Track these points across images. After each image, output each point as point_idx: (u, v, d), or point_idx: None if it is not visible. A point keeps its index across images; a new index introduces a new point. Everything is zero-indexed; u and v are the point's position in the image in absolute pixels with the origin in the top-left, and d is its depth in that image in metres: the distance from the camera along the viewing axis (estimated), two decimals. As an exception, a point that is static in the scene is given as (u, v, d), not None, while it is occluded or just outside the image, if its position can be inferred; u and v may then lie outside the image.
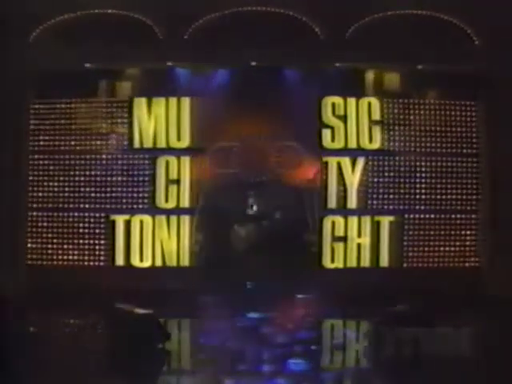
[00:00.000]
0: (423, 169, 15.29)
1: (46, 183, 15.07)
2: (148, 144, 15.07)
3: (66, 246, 14.93)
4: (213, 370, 9.00)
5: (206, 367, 9.24)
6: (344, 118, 15.24)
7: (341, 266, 15.15)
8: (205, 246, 15.04)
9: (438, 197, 15.31)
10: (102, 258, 14.92)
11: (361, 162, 15.26)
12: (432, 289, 13.93)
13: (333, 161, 15.26)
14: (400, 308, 10.72)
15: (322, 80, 15.22)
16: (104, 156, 15.04)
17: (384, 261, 15.22)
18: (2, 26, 14.11)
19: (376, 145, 15.29)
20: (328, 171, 15.26)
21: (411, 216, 15.28)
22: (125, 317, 9.91)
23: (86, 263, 14.86)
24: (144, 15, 14.72)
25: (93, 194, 15.01)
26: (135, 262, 14.94)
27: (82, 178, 15.04)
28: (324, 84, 15.23)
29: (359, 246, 15.22)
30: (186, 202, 15.08)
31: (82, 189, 15.02)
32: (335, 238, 15.21)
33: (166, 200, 15.05)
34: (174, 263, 14.96)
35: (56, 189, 15.05)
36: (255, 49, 14.50)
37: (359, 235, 15.24)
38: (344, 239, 15.21)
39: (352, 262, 15.19)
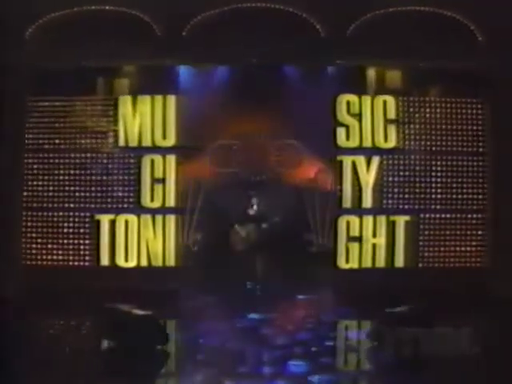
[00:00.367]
0: (439, 168, 15.07)
1: (30, 182, 14.91)
2: (133, 142, 14.91)
3: (50, 246, 14.79)
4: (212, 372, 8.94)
5: (205, 369, 9.14)
6: (359, 117, 15.05)
7: (356, 266, 14.99)
8: (204, 245, 14.95)
9: (454, 196, 15.07)
10: (86, 258, 14.77)
11: (376, 161, 15.07)
12: (448, 289, 13.75)
13: (347, 160, 15.09)
14: (414, 308, 10.58)
15: (326, 77, 15.13)
16: (89, 155, 14.86)
17: (399, 261, 15.00)
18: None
19: (391, 144, 15.08)
20: (343, 170, 15.08)
21: (427, 215, 15.06)
22: (123, 317, 9.80)
23: (70, 263, 14.70)
24: (142, 12, 14.53)
25: (77, 194, 14.86)
26: (120, 262, 14.79)
27: (67, 177, 14.87)
28: (327, 82, 15.11)
29: (374, 246, 15.03)
30: (171, 202, 14.94)
31: (67, 188, 14.85)
32: (350, 238, 15.03)
33: (152, 199, 14.91)
34: (159, 263, 14.82)
35: (40, 188, 14.88)
36: (255, 46, 14.32)
37: (374, 235, 15.04)
38: (359, 239, 15.04)
39: (367, 263, 15.01)
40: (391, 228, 15.05)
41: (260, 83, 14.59)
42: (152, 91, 14.90)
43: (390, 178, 15.12)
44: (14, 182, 14.65)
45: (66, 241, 14.78)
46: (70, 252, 14.76)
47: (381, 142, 15.10)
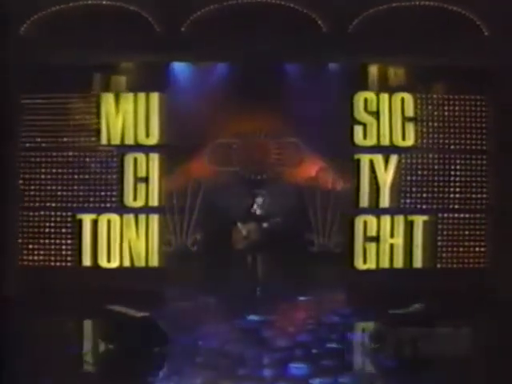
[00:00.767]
0: (458, 167, 14.79)
1: (10, 181, 14.65)
2: (116, 140, 14.73)
3: (31, 246, 14.66)
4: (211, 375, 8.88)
5: (204, 371, 9.09)
6: (376, 115, 14.81)
7: (373, 266, 14.77)
8: (204, 245, 14.89)
9: (473, 196, 14.79)
10: (68, 258, 14.64)
11: (394, 159, 14.80)
12: (466, 290, 13.61)
13: (365, 158, 14.83)
14: (429, 308, 10.49)
15: (327, 74, 15.01)
16: (70, 153, 14.71)
17: (417, 261, 14.76)
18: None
19: (409, 142, 14.82)
20: (360, 169, 14.83)
21: (445, 215, 14.80)
22: (120, 319, 9.70)
23: (52, 263, 14.57)
24: (140, 7, 14.33)
25: (59, 193, 14.72)
26: (102, 262, 14.64)
27: (48, 176, 14.71)
28: (328, 79, 14.98)
29: (392, 246, 14.79)
30: (154, 201, 14.74)
31: (48, 187, 14.72)
32: (367, 238, 14.80)
33: (135, 198, 14.73)
34: (142, 264, 14.64)
35: (22, 187, 14.73)
36: (255, 42, 14.07)
37: (392, 235, 14.80)
38: (376, 239, 14.80)
39: (385, 263, 14.77)
40: (409, 228, 14.78)
41: (260, 80, 14.42)
42: (147, 88, 14.73)
43: (408, 177, 14.86)
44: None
45: (47, 241, 14.65)
46: (52, 252, 14.62)
47: (399, 141, 14.83)
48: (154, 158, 14.76)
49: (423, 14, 14.07)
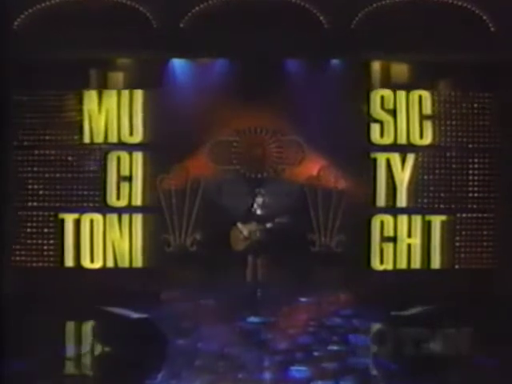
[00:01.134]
0: (476, 165, 14.52)
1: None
2: (99, 139, 14.54)
3: (12, 246, 14.46)
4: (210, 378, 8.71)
5: (202, 375, 8.89)
6: (393, 112, 14.57)
7: (390, 267, 14.55)
8: (204, 246, 14.71)
9: (492, 195, 14.51)
10: (51, 258, 14.47)
11: (411, 158, 14.56)
12: (485, 291, 13.49)
13: (382, 157, 14.60)
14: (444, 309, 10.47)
15: (329, 71, 14.74)
16: (52, 151, 14.51)
17: (435, 262, 14.52)
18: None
19: (427, 140, 14.56)
20: (377, 168, 14.61)
21: (463, 215, 14.54)
22: (118, 320, 9.59)
23: (34, 264, 14.39)
24: (137, 2, 14.15)
25: (40, 192, 14.54)
26: (85, 262, 14.46)
27: (30, 175, 14.53)
28: (331, 75, 14.70)
29: (409, 246, 14.57)
30: (138, 200, 14.57)
31: (30, 186, 14.53)
32: (384, 238, 14.58)
33: (118, 198, 14.54)
34: (126, 264, 14.47)
35: (1, 186, 14.32)
36: (255, 38, 13.84)
37: (409, 235, 14.58)
38: (393, 239, 14.57)
39: (402, 264, 14.55)
40: (427, 228, 14.55)
41: (261, 77, 14.19)
42: (145, 85, 14.57)
43: (426, 176, 14.60)
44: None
45: (28, 241, 14.49)
46: (33, 252, 14.45)
47: (416, 139, 14.58)
48: (138, 156, 14.58)
49: (428, 9, 13.78)
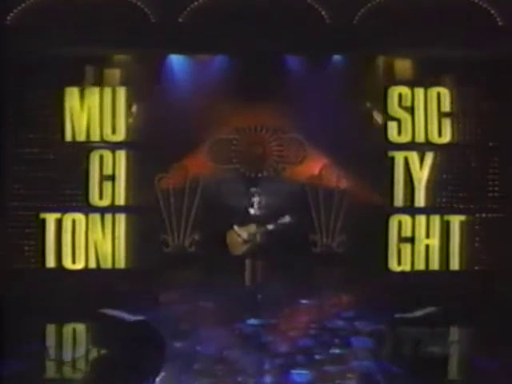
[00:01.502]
0: (496, 164, 14.19)
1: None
2: (81, 137, 14.28)
3: None
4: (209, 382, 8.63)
5: (201, 378, 8.82)
6: (411, 110, 14.30)
7: (408, 268, 14.26)
8: (203, 246, 14.54)
9: (513, 195, 14.14)
10: (31, 259, 14.22)
11: (429, 157, 14.25)
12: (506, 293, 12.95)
13: (399, 156, 14.31)
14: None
15: (331, 67, 14.47)
16: (34, 150, 14.27)
17: (454, 263, 14.20)
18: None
19: (446, 138, 14.24)
20: (394, 167, 14.33)
21: (483, 215, 14.22)
22: (115, 323, 9.41)
23: (14, 265, 14.06)
24: None
25: (21, 191, 14.26)
26: (67, 263, 14.19)
27: (10, 173, 14.20)
28: (333, 72, 14.42)
29: (428, 247, 14.27)
30: (121, 200, 14.30)
31: (10, 185, 14.21)
32: (402, 239, 14.30)
33: (100, 197, 14.27)
34: (108, 265, 14.23)
35: None
36: (255, 34, 13.55)
37: (428, 236, 14.28)
38: (411, 240, 14.29)
39: (420, 265, 14.26)
40: (445, 228, 14.23)
41: (261, 74, 13.94)
42: (142, 82, 14.33)
43: (445, 175, 14.29)
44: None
45: (8, 241, 14.17)
46: (14, 253, 14.17)
47: (434, 137, 14.27)
48: (121, 155, 14.35)
49: (433, 3, 13.41)
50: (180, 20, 13.97)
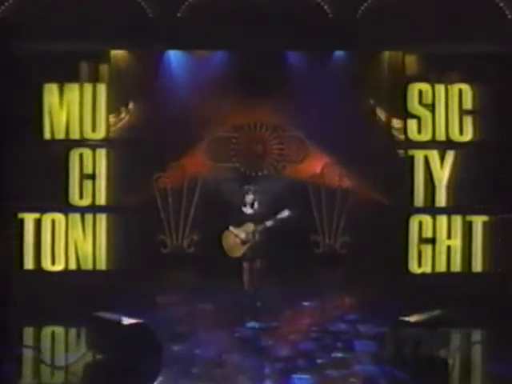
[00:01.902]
0: (519, 163, 13.80)
1: None
2: (60, 135, 14.00)
3: None
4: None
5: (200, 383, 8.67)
6: (432, 107, 14.00)
7: (429, 270, 13.95)
8: (202, 247, 14.43)
9: (537, 195, 13.74)
10: (9, 261, 13.78)
11: (450, 155, 13.95)
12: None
13: (419, 154, 14.02)
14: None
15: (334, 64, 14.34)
16: (11, 148, 13.79)
17: (477, 265, 13.88)
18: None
19: (467, 136, 13.95)
20: (414, 166, 14.03)
21: (506, 216, 13.83)
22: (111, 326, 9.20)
23: None
24: None
25: None
26: (46, 265, 13.89)
27: None
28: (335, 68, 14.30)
29: (449, 248, 13.95)
30: (102, 199, 14.01)
31: None
32: (422, 240, 13.99)
33: (81, 197, 13.99)
34: (89, 266, 13.94)
35: None
36: (256, 29, 13.31)
37: (449, 236, 13.97)
38: (432, 241, 13.98)
39: (441, 267, 13.94)
40: (467, 229, 13.93)
41: (262, 70, 13.84)
42: (139, 78, 14.23)
43: (466, 175, 13.94)
44: None
45: None
46: None
47: (456, 135, 13.98)
48: (101, 153, 14.08)
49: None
50: (178, 15, 13.73)
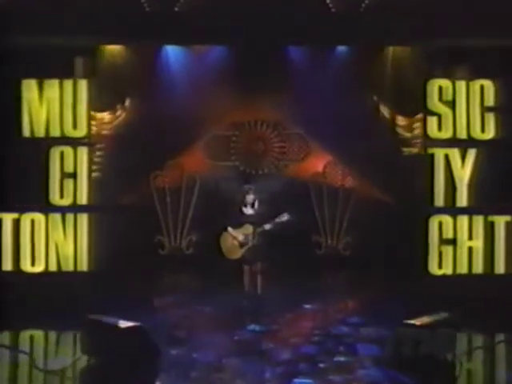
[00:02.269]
0: (543, 161, 13.42)
1: None
2: (39, 133, 13.71)
3: None
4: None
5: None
6: (452, 104, 13.69)
7: (450, 272, 13.63)
8: (201, 248, 14.23)
9: (562, 194, 13.34)
10: None
11: (472, 153, 13.64)
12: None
13: (440, 153, 13.71)
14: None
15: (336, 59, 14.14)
16: None
17: (500, 267, 13.54)
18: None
19: (489, 134, 13.63)
20: (434, 164, 13.72)
21: (529, 216, 13.47)
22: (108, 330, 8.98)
23: None
24: None
25: None
26: (26, 266, 13.58)
27: None
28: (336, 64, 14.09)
29: (471, 249, 13.63)
30: (83, 199, 13.71)
31: None
32: (443, 241, 13.66)
33: (61, 196, 13.67)
34: (70, 268, 13.63)
35: None
36: (256, 23, 13.10)
37: (470, 237, 13.64)
38: (453, 242, 13.65)
39: (462, 268, 13.62)
40: (489, 229, 13.59)
41: (262, 65, 13.70)
42: (136, 74, 14.07)
43: (488, 173, 13.57)
44: None
45: None
46: None
47: (477, 133, 13.67)
48: (83, 151, 13.80)
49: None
50: (176, 9, 13.55)
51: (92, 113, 13.93)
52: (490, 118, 13.64)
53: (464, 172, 13.67)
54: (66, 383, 8.70)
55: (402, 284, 12.97)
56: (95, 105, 13.97)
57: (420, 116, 14.17)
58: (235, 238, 11.52)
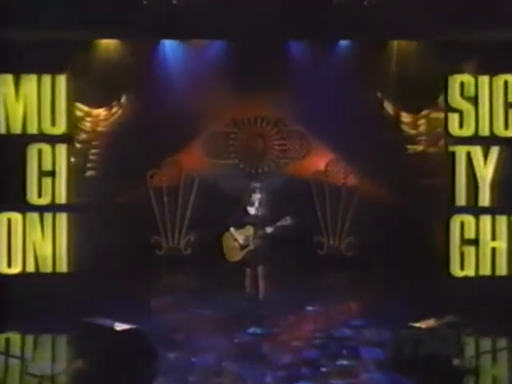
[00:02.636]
0: None
1: None
2: (16, 129, 13.36)
3: None
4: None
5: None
6: (475, 100, 13.34)
7: (472, 273, 13.28)
8: (200, 248, 14.04)
9: None
10: None
11: (495, 151, 13.27)
12: None
13: (461, 150, 13.34)
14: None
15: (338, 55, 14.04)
16: None
17: (524, 268, 13.20)
18: None
19: (513, 132, 13.31)
20: (456, 163, 13.36)
21: (553, 216, 13.07)
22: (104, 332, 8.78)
23: None
24: None
25: None
26: (2, 267, 13.22)
27: None
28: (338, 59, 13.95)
29: (494, 250, 13.25)
30: (62, 198, 13.34)
31: None
32: (465, 241, 13.31)
33: (39, 195, 13.32)
34: (48, 269, 13.28)
35: None
36: (256, 17, 12.77)
37: (493, 238, 13.27)
38: (475, 242, 13.30)
39: (485, 270, 13.25)
40: (513, 229, 13.27)
41: (262, 61, 13.58)
42: (132, 70, 13.93)
43: (512, 172, 13.28)
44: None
45: None
46: None
47: (500, 130, 13.30)
48: (61, 149, 13.46)
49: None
50: (174, 2, 13.26)
51: (87, 109, 13.94)
52: (514, 115, 13.30)
53: (486, 170, 13.30)
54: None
55: (421, 286, 12.68)
56: (90, 101, 13.92)
57: (425, 112, 14.01)
58: (236, 240, 11.25)
